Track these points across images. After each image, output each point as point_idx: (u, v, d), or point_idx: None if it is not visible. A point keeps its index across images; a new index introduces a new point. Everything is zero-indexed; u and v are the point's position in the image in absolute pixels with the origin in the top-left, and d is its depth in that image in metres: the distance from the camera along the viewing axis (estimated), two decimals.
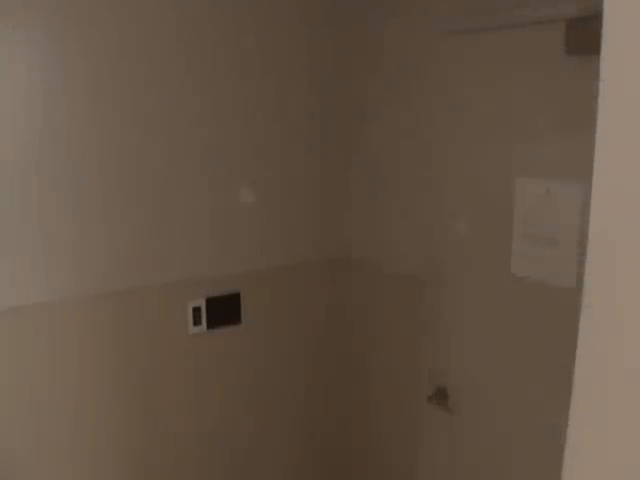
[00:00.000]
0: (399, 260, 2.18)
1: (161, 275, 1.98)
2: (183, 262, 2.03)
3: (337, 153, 2.34)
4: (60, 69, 1.73)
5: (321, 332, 2.42)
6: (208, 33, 1.96)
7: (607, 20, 0.55)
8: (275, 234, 2.24)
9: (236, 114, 2.07)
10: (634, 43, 0.53)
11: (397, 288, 2.22)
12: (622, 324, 0.56)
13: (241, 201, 2.12)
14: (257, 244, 2.19)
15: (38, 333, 1.79)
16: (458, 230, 1.93)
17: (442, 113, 1.95)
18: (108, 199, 1.86)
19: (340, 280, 2.43)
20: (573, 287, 1.58)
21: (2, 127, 1.67)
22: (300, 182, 2.26)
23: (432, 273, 2.04)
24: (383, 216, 2.24)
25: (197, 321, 2.07)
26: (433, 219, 2.02)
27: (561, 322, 1.59)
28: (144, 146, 1.90)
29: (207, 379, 2.14)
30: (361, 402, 2.45)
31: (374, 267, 2.31)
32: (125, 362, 1.95)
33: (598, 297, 0.57)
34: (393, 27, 2.10)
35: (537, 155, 1.69)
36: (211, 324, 2.11)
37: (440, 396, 2.02)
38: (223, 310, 2.13)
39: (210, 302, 2.10)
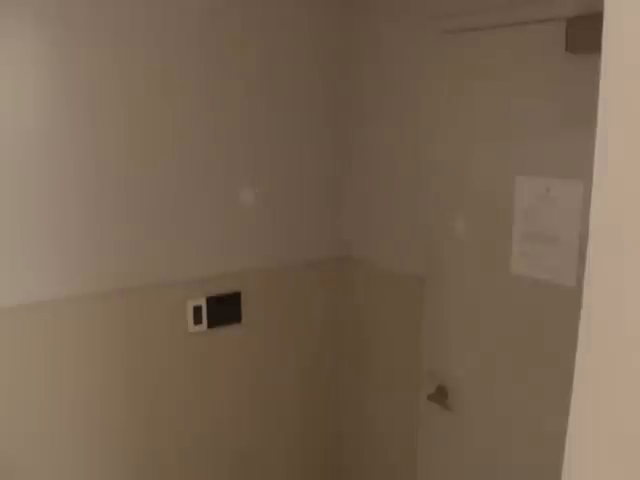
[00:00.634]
0: (399, 259, 2.18)
1: (162, 274, 1.99)
2: (184, 261, 2.03)
3: (337, 152, 2.34)
4: (65, 70, 1.73)
5: (321, 331, 2.43)
6: (209, 34, 1.96)
7: (608, 18, 0.55)
8: (275, 234, 2.24)
9: (237, 115, 2.07)
10: (635, 41, 0.53)
11: (397, 287, 2.22)
12: (622, 323, 0.56)
13: (242, 201, 2.13)
14: (257, 243, 2.20)
15: (37, 332, 1.79)
16: (458, 229, 1.93)
17: (442, 112, 1.95)
18: (109, 199, 1.86)
19: (340, 279, 2.43)
20: (573, 286, 1.59)
21: (5, 127, 1.67)
22: (300, 182, 2.26)
23: (432, 272, 2.04)
24: (383, 215, 2.24)
25: (198, 320, 2.07)
26: (433, 218, 2.02)
27: (561, 321, 1.59)
28: (146, 146, 1.90)
29: (207, 378, 2.14)
30: (361, 400, 2.45)
31: (374, 266, 2.31)
32: (125, 361, 1.95)
33: (598, 296, 0.57)
34: (393, 26, 2.09)
35: (537, 154, 1.69)
36: (212, 323, 2.11)
37: (440, 394, 2.03)
38: (224, 309, 2.13)
39: (211, 301, 2.10)
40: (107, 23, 1.77)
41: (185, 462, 2.14)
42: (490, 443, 1.90)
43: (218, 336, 2.14)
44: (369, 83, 2.23)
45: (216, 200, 2.07)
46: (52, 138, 1.74)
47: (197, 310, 2.07)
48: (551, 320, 1.66)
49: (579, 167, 1.55)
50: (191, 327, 2.07)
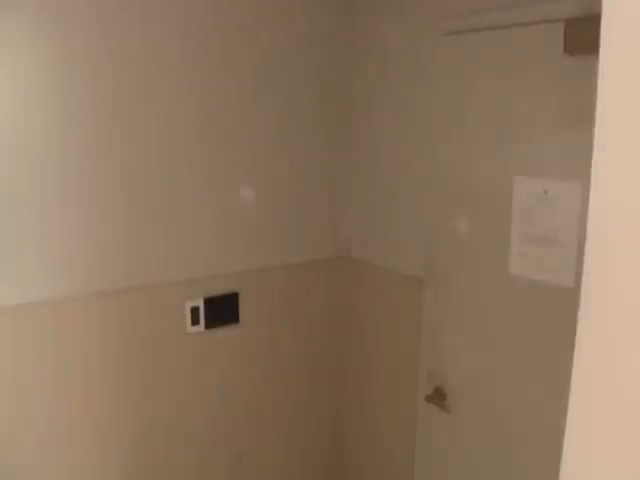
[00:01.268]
0: (398, 259, 2.18)
1: (159, 275, 1.98)
2: (181, 262, 2.03)
3: (336, 152, 2.34)
4: (65, 70, 1.72)
5: (319, 331, 2.42)
6: (209, 34, 1.96)
7: (605, 20, 0.55)
8: (273, 234, 2.24)
9: (236, 115, 2.07)
10: (632, 43, 0.53)
11: (396, 287, 2.22)
12: (621, 323, 0.56)
13: (240, 201, 2.12)
14: (256, 244, 2.19)
15: (34, 331, 1.78)
16: (457, 230, 1.93)
17: (441, 113, 1.95)
18: (107, 199, 1.85)
19: (339, 280, 2.43)
20: (571, 287, 1.59)
21: (8, 127, 1.66)
22: (299, 182, 2.26)
23: (431, 272, 2.04)
24: (382, 216, 2.24)
25: (195, 321, 2.07)
26: (432, 219, 2.02)
27: (559, 321, 1.59)
28: (145, 147, 1.89)
29: (205, 378, 2.14)
30: (359, 401, 2.45)
31: (373, 266, 2.31)
32: (123, 361, 1.95)
33: (597, 296, 0.57)
34: (395, 27, 2.10)
35: (535, 154, 1.69)
36: (209, 324, 2.11)
37: (438, 396, 2.03)
38: (221, 310, 2.13)
39: (208, 302, 2.09)
40: (108, 21, 1.77)
41: (184, 462, 2.14)
42: (488, 444, 1.89)
43: (216, 337, 2.14)
44: (371, 83, 2.23)
45: (214, 200, 2.07)
46: (52, 137, 1.74)
47: (195, 311, 2.06)
48: (549, 321, 1.66)
49: (577, 168, 1.55)
50: (189, 328, 2.06)
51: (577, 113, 1.53)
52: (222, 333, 2.15)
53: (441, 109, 1.94)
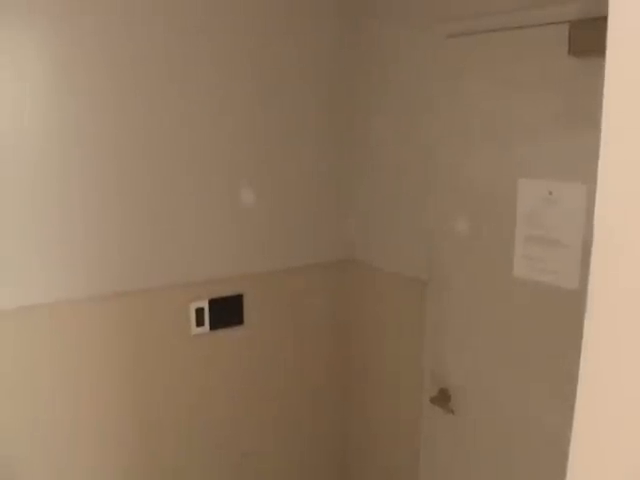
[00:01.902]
0: (402, 262, 2.18)
1: (164, 276, 1.99)
2: (186, 263, 2.03)
3: (340, 155, 2.34)
4: (68, 73, 1.73)
5: (323, 333, 2.42)
6: (214, 37, 1.96)
7: (612, 22, 0.56)
8: (278, 236, 2.24)
9: (239, 117, 2.07)
10: (639, 44, 0.53)
11: (400, 290, 2.22)
12: (627, 326, 0.56)
13: (244, 203, 2.13)
14: (260, 246, 2.20)
15: (39, 334, 1.79)
16: (460, 232, 1.93)
17: (444, 114, 1.95)
18: (111, 202, 1.86)
19: (343, 282, 2.43)
20: (576, 288, 1.58)
21: (10, 128, 1.67)
22: (302, 185, 2.26)
23: (435, 275, 2.04)
24: (386, 218, 2.24)
25: (200, 322, 2.08)
26: (435, 221, 2.02)
27: (564, 324, 1.59)
28: (150, 149, 1.90)
29: (210, 379, 2.14)
30: (364, 403, 2.45)
31: (377, 269, 2.31)
32: (127, 363, 1.95)
33: (602, 299, 0.57)
34: (397, 30, 2.10)
35: (539, 156, 1.69)
36: (214, 325, 2.11)
37: (442, 397, 2.02)
38: (226, 311, 2.13)
39: (213, 303, 2.10)
40: (112, 24, 1.78)
41: (188, 463, 2.14)
42: (492, 446, 1.89)
43: (220, 338, 2.14)
44: (373, 87, 2.23)
45: (219, 203, 2.07)
46: (54, 140, 1.74)
47: (199, 312, 2.07)
48: (554, 323, 1.66)
49: (582, 170, 1.55)
50: (193, 329, 2.07)
51: (581, 114, 1.53)
52: (227, 334, 2.16)
53: (444, 112, 1.94)
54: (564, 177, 1.61)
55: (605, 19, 0.57)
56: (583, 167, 1.54)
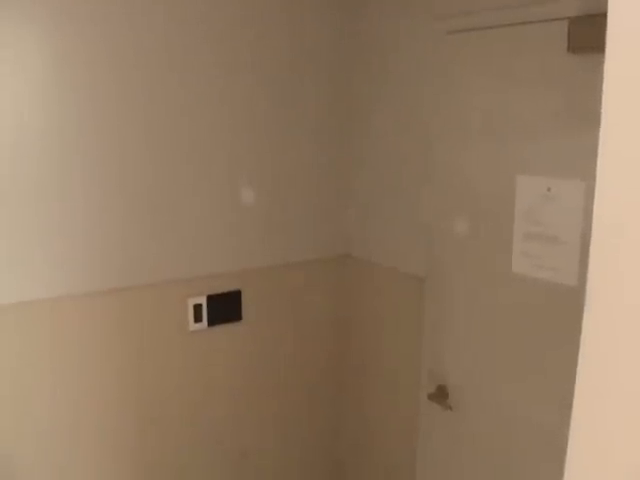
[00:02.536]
0: (400, 258, 2.18)
1: (162, 272, 1.99)
2: (184, 259, 2.03)
3: (338, 151, 2.34)
4: (69, 67, 1.72)
5: (321, 329, 2.43)
6: (213, 29, 1.96)
7: (612, 18, 0.55)
8: (276, 232, 2.24)
9: (238, 113, 2.07)
10: (638, 41, 0.53)
11: (398, 286, 2.22)
12: (626, 322, 0.56)
13: (242, 199, 2.12)
14: (258, 242, 2.20)
15: (37, 329, 1.79)
16: (459, 228, 1.93)
17: (443, 110, 1.95)
18: (110, 198, 1.86)
19: (341, 277, 2.43)
20: (574, 285, 1.59)
21: (10, 124, 1.67)
22: (301, 180, 2.26)
23: (433, 271, 2.04)
24: (384, 214, 2.24)
25: (198, 318, 2.08)
26: (434, 217, 2.02)
27: (562, 320, 1.59)
28: (148, 145, 1.90)
29: (207, 376, 2.14)
30: (361, 399, 2.45)
31: (375, 265, 2.31)
32: (125, 359, 1.95)
33: (601, 295, 0.57)
34: (396, 26, 2.09)
35: (538, 153, 1.68)
36: (212, 321, 2.11)
37: (440, 394, 2.03)
38: (224, 307, 2.13)
39: (211, 299, 2.10)
40: (112, 18, 1.77)
41: (185, 460, 2.14)
42: (490, 442, 1.90)
43: (218, 334, 2.14)
44: (372, 82, 2.23)
45: (217, 198, 2.07)
46: (54, 135, 1.74)
47: (197, 308, 2.07)
48: (552, 319, 1.66)
49: (581, 166, 1.55)
50: (191, 325, 2.07)
51: (580, 111, 1.53)
52: (225, 330, 2.16)
53: (443, 107, 1.94)
54: (563, 174, 1.61)
55: (604, 16, 0.57)
56: (582, 164, 1.54)
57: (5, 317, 1.73)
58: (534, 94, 1.68)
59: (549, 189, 1.65)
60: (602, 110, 0.56)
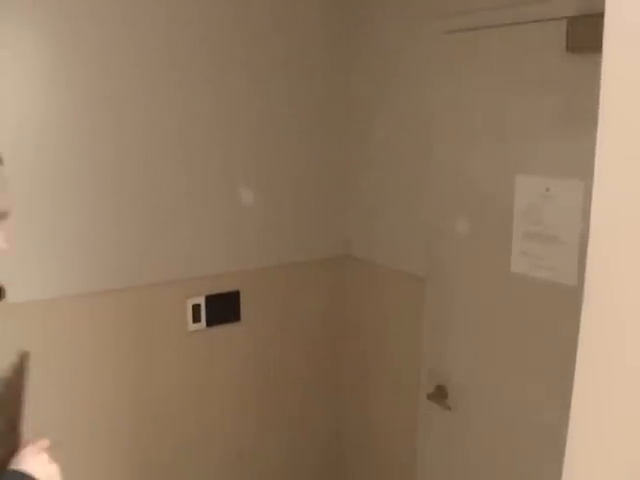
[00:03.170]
0: (399, 258, 2.18)
1: (161, 273, 1.98)
2: (183, 260, 2.03)
3: (338, 151, 2.34)
4: (67, 69, 1.72)
5: (320, 329, 2.42)
6: (211, 32, 1.95)
7: (609, 18, 0.55)
8: (274, 232, 2.23)
9: (237, 114, 2.06)
10: (635, 40, 0.53)
11: (397, 286, 2.22)
12: (623, 321, 0.56)
13: (242, 199, 2.12)
14: (257, 242, 2.19)
15: (36, 330, 1.79)
16: (458, 228, 1.93)
17: (442, 111, 1.94)
18: (108, 198, 1.85)
19: (340, 278, 2.43)
20: (574, 285, 1.58)
21: (9, 126, 1.66)
22: (300, 180, 2.26)
23: (432, 271, 2.04)
24: (384, 214, 2.24)
25: (196, 318, 2.07)
26: (433, 217, 2.01)
27: (562, 319, 1.59)
28: (147, 146, 1.89)
29: (206, 376, 2.14)
30: (361, 399, 2.45)
31: (375, 265, 2.31)
32: (124, 359, 1.95)
33: (599, 294, 0.57)
34: (394, 26, 2.09)
35: (537, 153, 1.68)
36: (210, 321, 2.11)
37: (439, 394, 2.02)
38: (223, 308, 2.13)
39: (210, 300, 2.09)
40: (108, 19, 1.77)
41: (184, 460, 2.14)
42: (489, 442, 1.89)
43: (217, 334, 2.14)
44: (371, 82, 2.23)
45: (216, 199, 2.07)
46: (51, 135, 1.74)
47: (196, 308, 2.07)
48: (552, 319, 1.66)
49: (579, 166, 1.55)
50: (190, 325, 2.07)
51: (579, 111, 1.53)
52: (223, 331, 2.15)
53: (442, 107, 1.94)
54: (561, 174, 1.61)
55: (603, 15, 0.56)
56: (581, 163, 1.54)
57: (3, 317, 1.72)
58: (533, 94, 1.68)
59: (548, 189, 1.65)
60: (599, 109, 0.55)
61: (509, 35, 1.71)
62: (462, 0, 1.83)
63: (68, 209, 1.79)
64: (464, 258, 1.93)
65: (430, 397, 2.04)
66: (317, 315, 2.40)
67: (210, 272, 2.09)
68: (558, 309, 1.63)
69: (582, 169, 1.53)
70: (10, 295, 1.73)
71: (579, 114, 1.54)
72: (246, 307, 2.19)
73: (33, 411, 1.79)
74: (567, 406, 0.62)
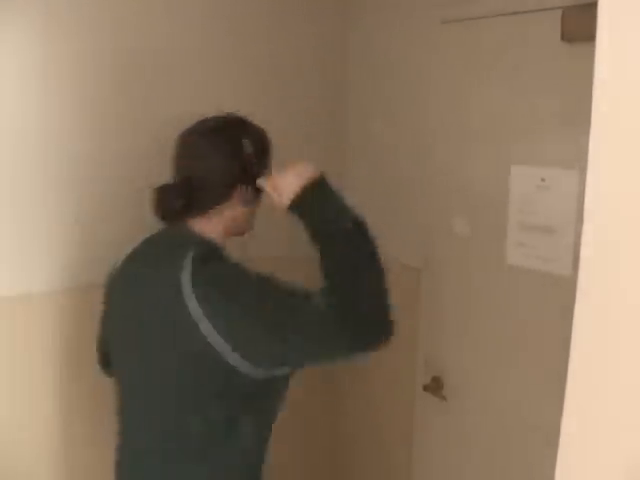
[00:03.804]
0: (397, 249, 2.18)
1: None
2: None
3: (335, 147, 2.33)
4: (54, 69, 1.70)
5: None
6: (208, 33, 1.94)
7: (602, 7, 0.55)
8: (272, 227, 2.22)
9: (228, 108, 2.05)
10: (629, 30, 0.53)
11: (394, 277, 2.20)
12: (618, 312, 0.56)
13: None
14: (255, 237, 2.18)
15: (25, 324, 1.75)
16: (454, 220, 1.93)
17: (438, 103, 1.94)
18: (107, 198, 1.84)
19: None
20: (570, 275, 1.59)
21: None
22: None
23: (428, 262, 2.05)
24: (381, 204, 2.24)
25: None
26: (429, 208, 2.02)
27: (558, 310, 1.60)
28: (146, 145, 1.88)
29: None
30: (357, 390, 2.45)
31: None
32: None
33: (593, 285, 0.57)
34: (390, 16, 2.09)
35: (532, 143, 1.68)
36: None
37: (435, 385, 2.03)
38: None
39: None
40: (103, 16, 1.76)
41: None
42: (486, 434, 1.90)
43: None
44: (367, 76, 2.22)
45: None
46: (32, 127, 1.71)
47: None
48: (548, 309, 1.66)
49: (575, 156, 1.55)
50: None
51: (574, 101, 1.53)
52: None
53: (438, 99, 1.94)
54: (557, 164, 1.61)
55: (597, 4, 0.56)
56: (576, 153, 1.54)
57: None
58: (527, 84, 1.68)
59: (543, 179, 1.65)
60: (593, 99, 0.55)
61: (504, 25, 1.70)
62: None
63: (50, 200, 1.75)
64: (460, 249, 1.93)
65: (426, 388, 2.04)
66: None
67: None
68: (554, 299, 1.64)
69: (578, 159, 1.53)
70: (9, 287, 1.72)
71: (574, 103, 1.54)
72: None
73: (16, 410, 1.78)
74: (562, 396, 0.62)
